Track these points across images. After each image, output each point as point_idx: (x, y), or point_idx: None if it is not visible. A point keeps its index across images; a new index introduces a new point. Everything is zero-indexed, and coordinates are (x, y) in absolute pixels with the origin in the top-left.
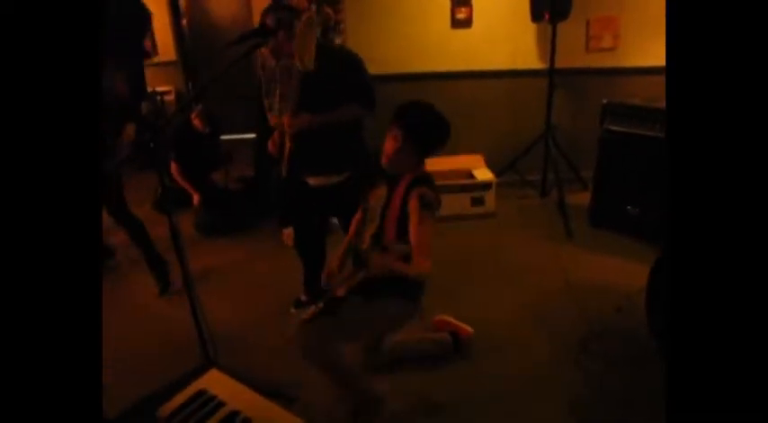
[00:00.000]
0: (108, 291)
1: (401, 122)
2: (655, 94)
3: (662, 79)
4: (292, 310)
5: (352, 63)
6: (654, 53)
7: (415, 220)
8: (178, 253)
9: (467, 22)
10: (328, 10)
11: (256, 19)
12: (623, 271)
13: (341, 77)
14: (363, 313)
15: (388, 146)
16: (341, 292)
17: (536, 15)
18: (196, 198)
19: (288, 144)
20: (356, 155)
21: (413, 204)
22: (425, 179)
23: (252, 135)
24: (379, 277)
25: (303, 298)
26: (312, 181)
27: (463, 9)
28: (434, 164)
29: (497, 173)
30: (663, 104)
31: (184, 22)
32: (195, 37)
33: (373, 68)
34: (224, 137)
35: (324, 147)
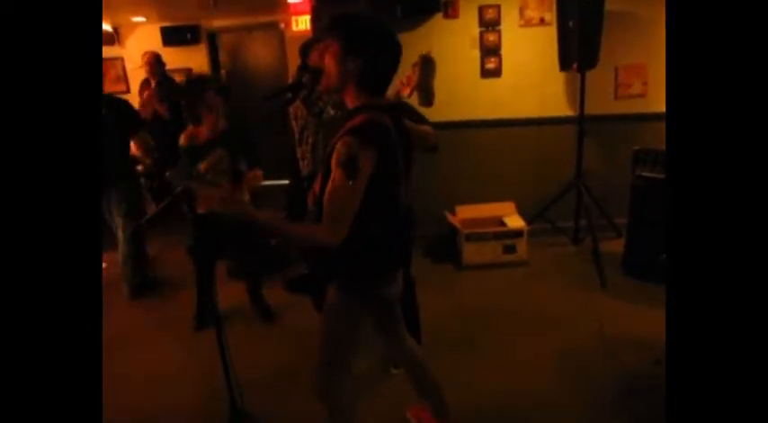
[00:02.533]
0: (140, 335)
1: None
2: None
3: None
4: None
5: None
6: None
7: (331, 177)
8: (207, 296)
9: (496, 72)
10: None
11: (292, 69)
12: (660, 322)
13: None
14: (321, 329)
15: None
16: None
17: (564, 65)
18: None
19: None
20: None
21: (334, 158)
22: (361, 127)
23: (283, 182)
24: (308, 259)
25: None
26: None
27: (492, 59)
28: (466, 212)
29: (528, 220)
30: None
31: (223, 72)
32: (233, 87)
33: None
34: None
35: None
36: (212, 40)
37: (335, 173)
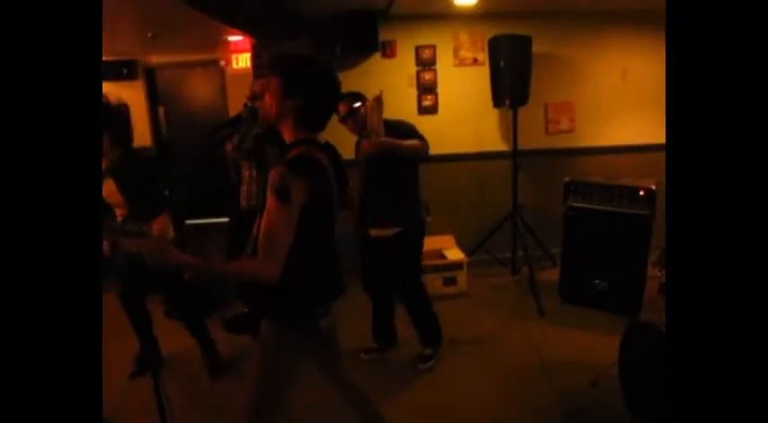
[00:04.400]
0: None
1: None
2: (612, 172)
3: (616, 158)
4: (363, 356)
5: (407, 125)
6: (606, 134)
7: (266, 207)
8: (147, 339)
9: (433, 109)
10: None
11: (232, 107)
12: (596, 345)
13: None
14: (256, 364)
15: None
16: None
17: (497, 101)
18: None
19: (356, 199)
20: (411, 214)
21: (269, 187)
22: (293, 159)
23: (221, 219)
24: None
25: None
26: (374, 232)
27: (429, 97)
28: None
29: (468, 252)
30: (621, 181)
31: (161, 110)
32: (171, 125)
33: (348, 154)
34: (191, 221)
35: (389, 198)
36: (150, 75)
37: (270, 201)
